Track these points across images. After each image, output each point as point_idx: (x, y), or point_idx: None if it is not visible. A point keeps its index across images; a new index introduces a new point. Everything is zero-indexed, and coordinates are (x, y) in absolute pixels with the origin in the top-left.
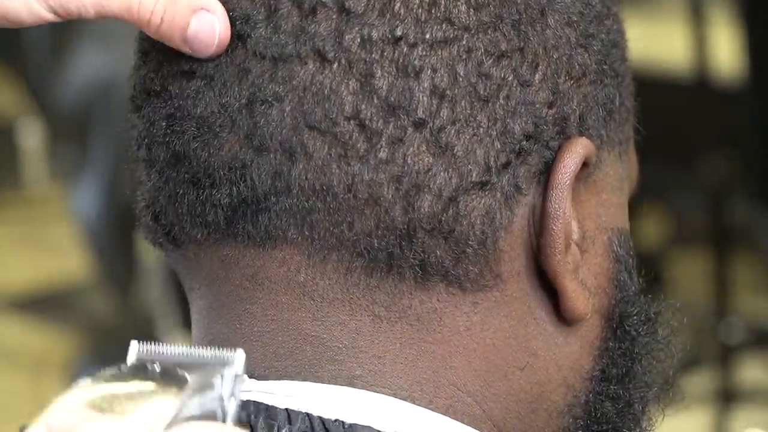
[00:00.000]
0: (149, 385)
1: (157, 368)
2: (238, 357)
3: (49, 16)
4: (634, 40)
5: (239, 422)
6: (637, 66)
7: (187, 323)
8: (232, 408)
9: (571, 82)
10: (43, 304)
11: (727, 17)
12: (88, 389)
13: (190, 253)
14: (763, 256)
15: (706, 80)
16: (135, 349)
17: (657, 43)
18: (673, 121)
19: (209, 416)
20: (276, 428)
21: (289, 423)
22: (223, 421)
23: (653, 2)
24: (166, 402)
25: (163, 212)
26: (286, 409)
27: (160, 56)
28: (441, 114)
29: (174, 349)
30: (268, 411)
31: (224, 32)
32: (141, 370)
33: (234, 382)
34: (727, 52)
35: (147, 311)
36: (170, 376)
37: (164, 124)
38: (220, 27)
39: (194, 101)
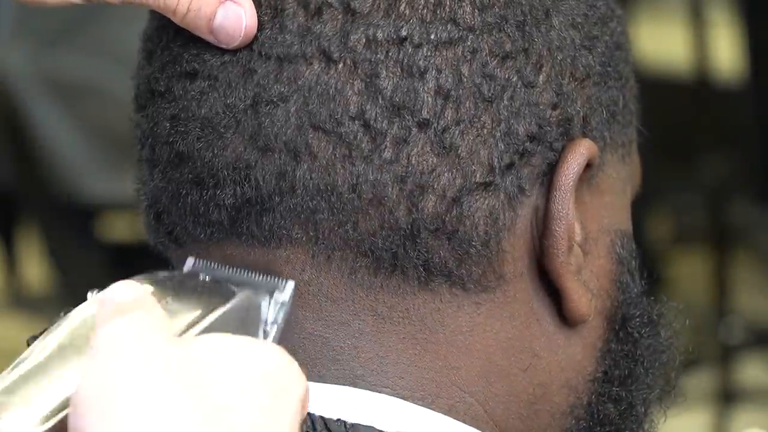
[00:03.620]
0: (197, 292)
1: (207, 279)
2: (289, 286)
3: None
4: (635, 41)
5: None
6: (638, 66)
7: None
8: (273, 332)
9: (575, 83)
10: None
11: (727, 17)
12: (142, 281)
13: (193, 252)
14: (763, 256)
15: (706, 80)
16: (191, 262)
17: (657, 43)
18: (673, 121)
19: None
20: None
21: None
22: None
23: (653, 2)
24: (207, 310)
25: (166, 212)
26: None
27: (165, 57)
28: (445, 114)
29: (226, 269)
30: None
31: (251, 24)
32: (193, 278)
33: (279, 308)
34: (727, 52)
35: None
36: (218, 288)
37: (168, 124)
38: (247, 18)
39: (198, 102)
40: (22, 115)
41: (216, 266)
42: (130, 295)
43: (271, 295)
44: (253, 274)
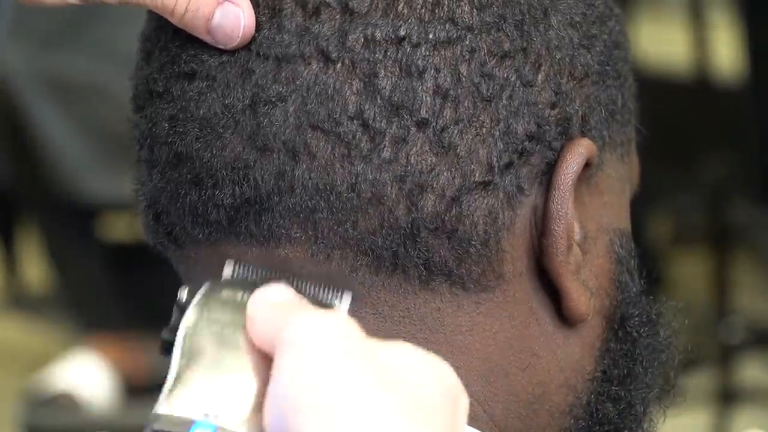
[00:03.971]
0: None
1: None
2: (346, 298)
3: None
4: (635, 41)
5: None
6: (638, 66)
7: None
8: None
9: (574, 82)
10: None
11: (727, 18)
12: (236, 288)
13: (191, 252)
14: (763, 256)
15: (706, 80)
16: (229, 269)
17: (657, 43)
18: (673, 121)
19: None
20: None
21: None
22: None
23: (653, 2)
24: None
25: (165, 212)
26: None
27: (163, 57)
28: (444, 114)
29: (273, 274)
30: None
31: (249, 24)
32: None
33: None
34: (727, 52)
35: None
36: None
37: (167, 125)
38: (245, 19)
39: (197, 102)
40: (22, 115)
41: (267, 274)
42: (287, 295)
43: (332, 305)
44: (311, 286)
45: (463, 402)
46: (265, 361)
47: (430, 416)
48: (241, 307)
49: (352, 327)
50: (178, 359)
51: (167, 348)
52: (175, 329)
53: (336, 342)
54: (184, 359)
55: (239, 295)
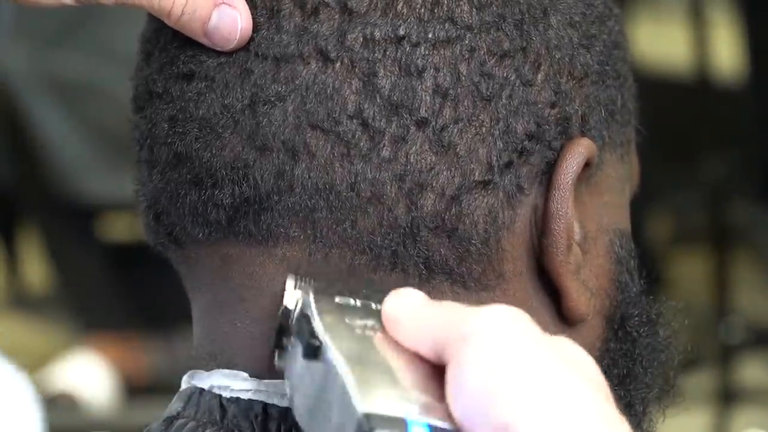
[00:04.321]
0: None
1: (359, 303)
2: None
3: (68, 0)
4: (635, 41)
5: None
6: (638, 66)
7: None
8: None
9: (573, 82)
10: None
11: (727, 17)
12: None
13: (192, 252)
14: (763, 256)
15: (706, 80)
16: (292, 282)
17: (657, 42)
18: (673, 121)
19: None
20: (277, 427)
21: (289, 421)
22: None
23: (653, 2)
24: None
25: (165, 212)
26: (287, 408)
27: (162, 58)
28: (444, 113)
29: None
30: (269, 410)
31: (246, 27)
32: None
33: None
34: (727, 52)
35: None
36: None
37: (166, 125)
38: (242, 22)
39: (196, 103)
40: (22, 115)
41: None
42: (423, 296)
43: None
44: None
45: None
46: (414, 357)
47: (607, 394)
48: (366, 309)
49: (528, 318)
50: (343, 363)
51: (314, 352)
52: (312, 334)
53: (522, 330)
54: (351, 363)
55: (351, 301)
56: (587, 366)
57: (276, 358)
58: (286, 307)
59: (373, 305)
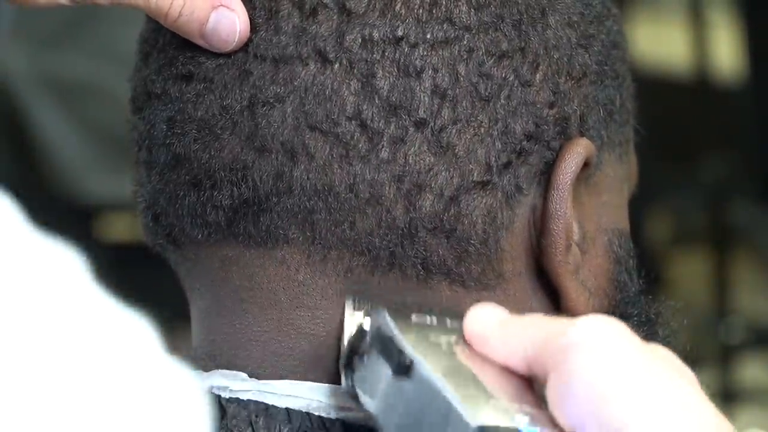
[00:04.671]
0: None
1: (435, 320)
2: None
3: (63, 0)
4: (634, 41)
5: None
6: (637, 66)
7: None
8: None
9: (572, 82)
10: None
11: (727, 17)
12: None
13: (190, 253)
14: (764, 256)
15: (706, 80)
16: (351, 301)
17: (656, 42)
18: (673, 121)
19: None
20: (276, 428)
21: (289, 422)
22: None
23: (653, 2)
24: None
25: (164, 213)
26: (287, 408)
27: (161, 59)
28: (442, 114)
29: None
30: (268, 410)
31: (244, 29)
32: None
33: None
34: (727, 52)
35: None
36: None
37: (165, 126)
38: (240, 24)
39: (195, 104)
40: (22, 115)
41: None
42: (504, 312)
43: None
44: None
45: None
46: (502, 370)
47: (706, 401)
48: (443, 326)
49: (625, 326)
50: (443, 379)
51: (406, 370)
52: (401, 352)
53: (625, 338)
54: (448, 378)
55: (427, 319)
56: (688, 371)
57: (343, 378)
58: (361, 328)
59: (449, 322)
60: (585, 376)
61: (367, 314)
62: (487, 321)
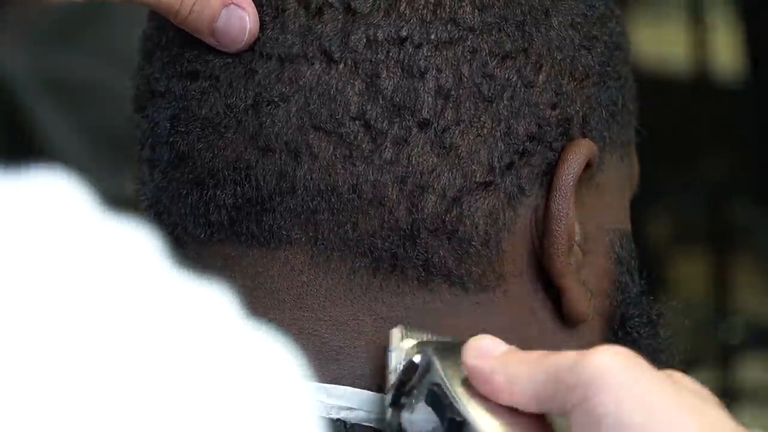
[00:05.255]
0: None
1: None
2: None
3: None
4: (634, 41)
5: None
6: (637, 66)
7: None
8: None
9: (575, 83)
10: None
11: (727, 17)
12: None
13: (193, 252)
14: (764, 256)
15: (706, 80)
16: (398, 333)
17: (657, 43)
18: (673, 121)
19: None
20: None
21: None
22: None
23: (653, 2)
24: None
25: (166, 212)
26: None
27: (165, 57)
28: (445, 114)
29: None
30: None
31: (254, 28)
32: None
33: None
34: (727, 52)
35: None
36: None
37: (168, 124)
38: (250, 23)
39: (199, 102)
40: (23, 115)
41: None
42: (501, 343)
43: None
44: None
45: None
46: (505, 409)
47: (728, 416)
48: (456, 365)
49: (636, 354)
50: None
51: (458, 429)
52: (452, 408)
53: (643, 368)
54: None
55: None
56: (706, 393)
57: (389, 414)
58: (411, 362)
59: None
60: (613, 416)
61: (417, 349)
62: (486, 359)
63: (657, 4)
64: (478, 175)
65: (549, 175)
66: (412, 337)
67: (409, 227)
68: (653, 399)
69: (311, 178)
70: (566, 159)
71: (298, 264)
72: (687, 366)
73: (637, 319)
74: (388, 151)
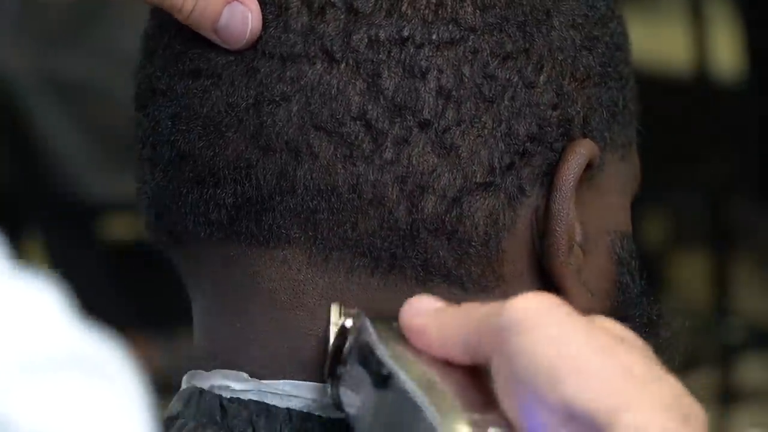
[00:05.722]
0: None
1: None
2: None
3: None
4: (634, 41)
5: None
6: (638, 66)
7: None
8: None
9: (576, 84)
10: None
11: (727, 17)
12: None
13: (192, 251)
14: (764, 256)
15: (706, 80)
16: (336, 309)
17: (657, 43)
18: (673, 121)
19: None
20: (277, 428)
21: (290, 422)
22: None
23: (653, 2)
24: None
25: (167, 211)
26: (287, 408)
27: (166, 55)
28: (446, 115)
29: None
30: (269, 411)
31: (257, 26)
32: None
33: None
34: (727, 51)
35: None
36: None
37: (170, 123)
38: (253, 21)
39: (201, 101)
40: (23, 115)
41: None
42: (438, 300)
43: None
44: None
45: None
46: (447, 365)
47: (652, 359)
48: (389, 328)
49: (560, 299)
50: (420, 392)
51: (384, 382)
52: (379, 363)
53: (565, 311)
54: (424, 389)
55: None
56: (631, 336)
57: (329, 387)
58: (341, 335)
59: None
60: (526, 356)
61: (355, 320)
62: (420, 313)
63: (657, 3)
64: (478, 175)
65: (549, 176)
66: (348, 314)
67: (409, 227)
68: (567, 340)
69: (311, 178)
70: (567, 159)
71: (296, 263)
72: (687, 366)
73: (637, 320)
74: (389, 151)
